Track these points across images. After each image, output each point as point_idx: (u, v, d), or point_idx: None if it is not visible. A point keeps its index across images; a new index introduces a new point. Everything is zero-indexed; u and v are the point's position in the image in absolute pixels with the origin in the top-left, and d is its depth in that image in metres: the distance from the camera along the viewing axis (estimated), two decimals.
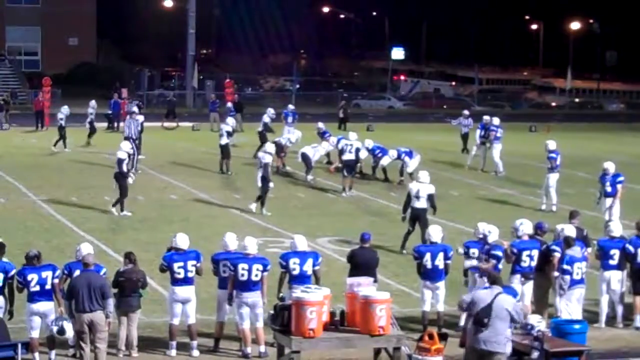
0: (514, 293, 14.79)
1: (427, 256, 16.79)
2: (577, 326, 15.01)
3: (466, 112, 43.22)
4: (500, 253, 16.74)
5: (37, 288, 14.87)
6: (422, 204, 22.49)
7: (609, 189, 24.94)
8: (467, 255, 17.10)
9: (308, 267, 15.84)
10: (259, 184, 27.12)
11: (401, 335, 14.60)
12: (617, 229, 17.88)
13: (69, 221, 25.71)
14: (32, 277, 14.86)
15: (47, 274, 14.94)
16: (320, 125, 36.99)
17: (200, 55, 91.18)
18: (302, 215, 27.19)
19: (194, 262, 15.68)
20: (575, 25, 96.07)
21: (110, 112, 49.25)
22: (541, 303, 16.94)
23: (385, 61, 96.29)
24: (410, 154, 32.59)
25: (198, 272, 15.77)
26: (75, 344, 15.17)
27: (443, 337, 14.37)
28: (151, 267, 18.26)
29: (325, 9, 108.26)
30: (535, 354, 13.74)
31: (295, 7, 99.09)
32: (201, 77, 72.35)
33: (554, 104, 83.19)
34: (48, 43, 79.19)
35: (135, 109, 39.89)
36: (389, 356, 14.46)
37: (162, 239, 20.98)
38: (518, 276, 16.81)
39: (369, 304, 14.08)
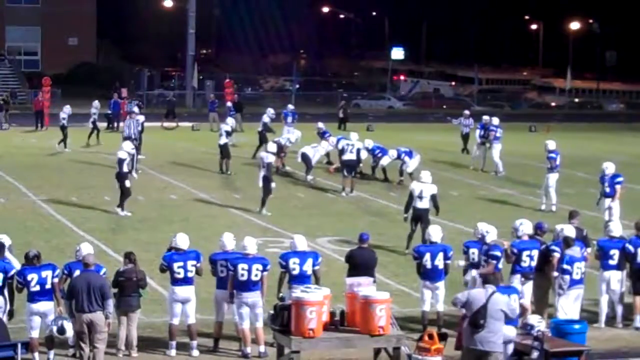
0: (516, 291, 14.79)
1: (427, 256, 16.79)
2: (577, 326, 15.02)
3: (467, 112, 43.22)
4: (498, 253, 16.74)
5: (37, 288, 14.87)
6: (424, 204, 22.45)
7: (607, 190, 24.93)
8: (466, 255, 17.11)
9: (308, 267, 15.85)
10: (260, 184, 27.11)
11: (401, 335, 14.60)
12: (616, 229, 17.88)
13: (69, 221, 25.71)
14: (32, 277, 14.86)
15: (47, 274, 14.95)
16: (321, 125, 36.99)
17: (200, 55, 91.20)
18: (302, 215, 27.19)
19: (194, 262, 15.68)
20: (575, 25, 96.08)
21: (110, 112, 49.25)
22: (541, 303, 16.95)
23: (385, 61, 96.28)
24: (410, 154, 32.60)
25: (198, 272, 15.78)
26: (75, 344, 15.18)
27: (443, 337, 14.37)
28: (151, 267, 18.27)
29: (325, 9, 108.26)
30: (535, 354, 13.74)
31: (295, 7, 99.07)
32: (201, 77, 72.36)
33: (553, 104, 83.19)
34: (48, 43, 79.18)
35: (136, 109, 39.93)
36: (389, 356, 14.47)
37: (162, 239, 20.99)
38: (518, 276, 16.81)
39: (369, 304, 14.09)
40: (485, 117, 37.77)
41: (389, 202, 29.31)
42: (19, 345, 14.14)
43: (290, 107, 43.67)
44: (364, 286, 14.54)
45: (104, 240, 23.13)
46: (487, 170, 35.89)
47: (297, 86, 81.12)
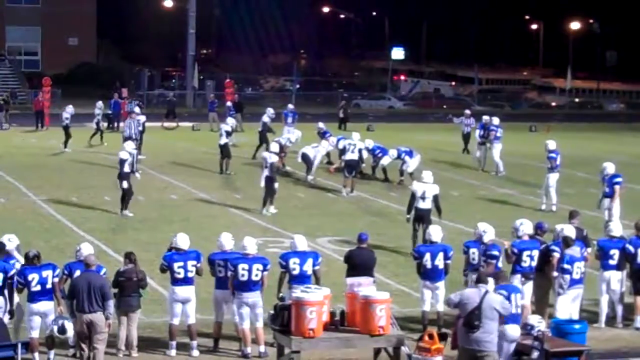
0: (519, 291, 14.78)
1: (427, 256, 16.78)
2: (577, 326, 15.03)
3: (468, 111, 43.24)
4: (496, 252, 16.76)
5: (38, 288, 14.88)
6: (427, 204, 22.39)
7: (607, 190, 24.93)
8: (466, 255, 17.10)
9: (308, 267, 15.84)
10: (262, 184, 27.10)
11: (401, 335, 14.59)
12: (616, 229, 17.89)
13: (69, 221, 25.71)
14: (33, 277, 14.86)
15: (47, 274, 14.96)
16: (321, 125, 37.00)
17: (200, 55, 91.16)
18: (302, 215, 27.19)
19: (194, 262, 15.68)
20: (575, 25, 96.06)
21: (110, 112, 49.26)
22: (541, 303, 16.95)
23: (385, 61, 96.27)
24: (410, 154, 32.60)
25: (198, 272, 15.78)
26: (75, 344, 15.19)
27: (443, 337, 14.37)
28: (151, 267, 18.27)
29: (325, 9, 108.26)
30: (535, 354, 13.75)
31: (295, 7, 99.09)
32: (201, 77, 72.36)
33: (554, 104, 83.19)
34: (48, 43, 79.18)
35: (137, 109, 39.94)
36: (389, 356, 14.47)
37: (162, 239, 20.99)
38: (518, 276, 16.80)
39: (369, 304, 14.09)
40: (485, 117, 37.79)
41: (389, 202, 29.31)
42: (19, 345, 14.15)
43: (290, 107, 43.66)
44: (364, 286, 14.54)
45: (104, 240, 23.14)
46: (487, 170, 35.91)
47: (297, 86, 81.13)
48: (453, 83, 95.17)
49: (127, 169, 26.58)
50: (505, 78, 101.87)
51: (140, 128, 37.15)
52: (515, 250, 16.89)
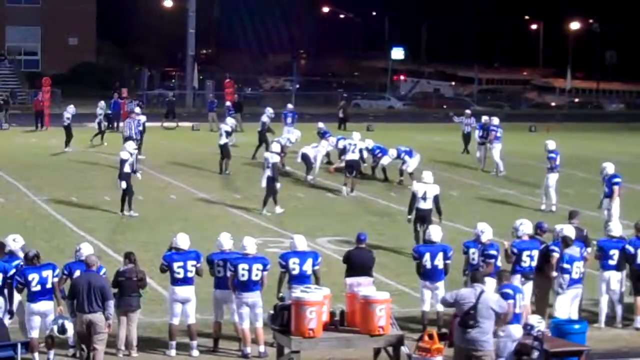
0: (518, 290, 14.78)
1: (427, 256, 16.79)
2: (577, 326, 15.04)
3: (468, 111, 43.27)
4: (494, 252, 16.79)
5: (38, 288, 14.88)
6: (428, 205, 22.36)
7: (606, 190, 24.93)
8: (466, 255, 17.11)
9: (308, 267, 15.85)
10: (263, 184, 27.08)
11: (401, 335, 14.59)
12: (616, 229, 17.89)
13: (69, 221, 25.71)
14: (33, 277, 14.86)
15: (47, 273, 14.97)
16: (321, 125, 36.99)
17: (200, 55, 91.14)
18: (302, 215, 27.19)
19: (194, 262, 15.69)
20: (575, 25, 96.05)
21: (110, 112, 49.23)
22: (541, 303, 16.95)
23: (385, 61, 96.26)
24: (410, 153, 32.59)
25: (198, 272, 15.78)
26: (75, 344, 15.19)
27: (443, 337, 14.36)
28: (151, 267, 18.28)
29: (325, 9, 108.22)
30: (535, 354, 13.75)
31: (295, 7, 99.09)
32: (201, 77, 72.35)
33: (553, 104, 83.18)
34: (48, 43, 79.15)
35: (137, 109, 39.94)
36: (388, 356, 14.47)
37: (162, 239, 20.99)
38: (518, 276, 16.80)
39: (369, 304, 14.09)
40: (485, 118, 37.79)
41: (389, 202, 29.31)
42: (19, 345, 14.16)
43: (290, 107, 43.61)
44: (364, 286, 14.54)
45: (104, 240, 23.14)
46: (487, 170, 35.91)
47: (297, 86, 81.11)
48: (453, 83, 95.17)
49: (127, 169, 26.58)
50: (505, 78, 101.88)
51: (141, 128, 37.14)
52: (515, 250, 16.90)
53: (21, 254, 15.55)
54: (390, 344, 14.35)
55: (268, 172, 27.01)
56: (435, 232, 17.07)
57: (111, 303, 14.45)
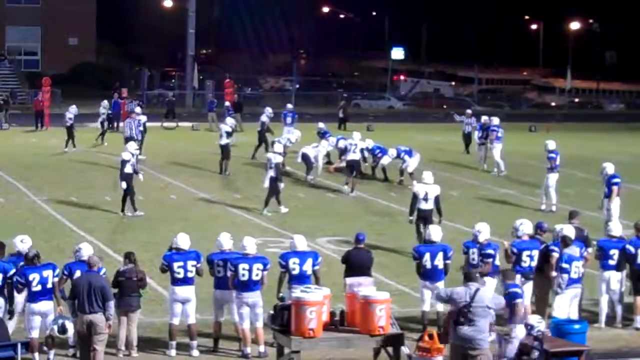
0: (520, 290, 14.78)
1: (427, 256, 16.79)
2: (577, 326, 15.05)
3: (469, 111, 43.34)
4: (492, 251, 16.82)
5: (39, 287, 14.89)
6: (429, 205, 22.33)
7: (606, 190, 24.93)
8: (466, 255, 17.11)
9: (308, 267, 15.85)
10: (266, 184, 27.07)
11: (401, 335, 14.58)
12: (616, 229, 17.89)
13: (69, 221, 25.71)
14: (34, 277, 14.87)
15: (47, 274, 14.98)
16: (321, 125, 36.98)
17: (200, 55, 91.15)
18: (302, 215, 27.18)
19: (194, 262, 15.69)
20: (575, 25, 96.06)
21: (110, 112, 49.23)
22: (541, 303, 16.96)
23: (385, 61, 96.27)
24: (410, 153, 32.58)
25: (198, 272, 15.78)
26: (75, 344, 15.19)
27: (447, 341, 14.36)
28: (151, 267, 18.29)
29: (325, 9, 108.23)
30: (535, 354, 13.75)
31: (295, 7, 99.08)
32: (201, 77, 72.35)
33: (553, 104, 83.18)
34: (48, 43, 79.12)
35: (138, 109, 39.94)
36: (388, 356, 14.46)
37: (162, 239, 21.00)
38: (518, 276, 16.77)
39: (369, 304, 14.09)
40: (484, 118, 37.79)
41: (389, 202, 29.31)
42: (19, 345, 14.16)
43: (290, 107, 43.58)
44: (364, 286, 14.54)
45: (104, 240, 23.14)
46: (487, 170, 35.90)
47: (297, 86, 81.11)
48: (453, 83, 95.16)
49: (129, 169, 26.56)
50: (505, 78, 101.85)
51: (141, 128, 37.14)
52: (515, 250, 16.91)
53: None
54: (390, 344, 14.33)
55: (271, 172, 27.00)
56: (435, 232, 17.08)
57: (112, 304, 14.44)
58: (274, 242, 23.00)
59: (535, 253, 16.92)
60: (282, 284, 15.84)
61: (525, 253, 16.89)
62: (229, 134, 34.31)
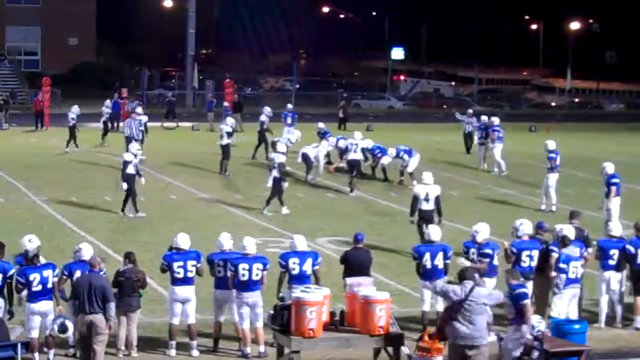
0: (527, 290, 14.78)
1: (427, 256, 16.79)
2: (577, 326, 15.04)
3: (470, 111, 43.37)
4: (490, 251, 16.83)
5: (39, 287, 14.89)
6: (430, 206, 22.28)
7: (606, 190, 24.93)
8: (466, 255, 17.11)
9: (307, 267, 15.85)
10: (269, 184, 27.06)
11: (401, 335, 14.58)
12: (616, 229, 17.89)
13: (69, 221, 25.71)
14: (35, 277, 14.86)
15: (48, 273, 14.98)
16: (321, 125, 36.96)
17: (200, 55, 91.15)
18: (302, 215, 27.18)
19: (194, 262, 15.69)
20: (575, 25, 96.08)
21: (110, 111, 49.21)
22: (541, 303, 16.95)
23: (385, 61, 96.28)
24: (409, 153, 32.56)
25: (198, 272, 15.78)
26: (75, 344, 15.19)
27: (443, 337, 14.36)
28: (151, 267, 18.29)
29: (325, 9, 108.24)
30: (535, 354, 13.75)
31: (295, 7, 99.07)
32: (201, 77, 72.36)
33: (553, 104, 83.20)
34: (48, 43, 79.15)
35: (139, 109, 39.94)
36: (388, 356, 14.46)
37: (162, 239, 21.00)
38: None
39: (369, 304, 14.09)
40: (484, 118, 37.80)
41: (389, 202, 29.31)
42: (19, 345, 14.16)
43: (290, 107, 43.57)
44: (364, 286, 14.54)
45: (104, 240, 23.13)
46: (487, 170, 35.90)
47: (297, 86, 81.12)
48: (453, 83, 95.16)
49: (131, 170, 26.53)
50: (505, 78, 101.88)
51: (142, 128, 37.13)
52: (515, 250, 16.91)
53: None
54: (390, 344, 14.34)
55: (274, 172, 27.01)
56: (434, 232, 17.08)
57: (112, 305, 14.42)
58: (274, 242, 23.01)
59: (535, 253, 16.92)
60: (282, 284, 15.84)
61: (524, 253, 16.89)
62: (229, 134, 34.31)
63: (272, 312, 14.45)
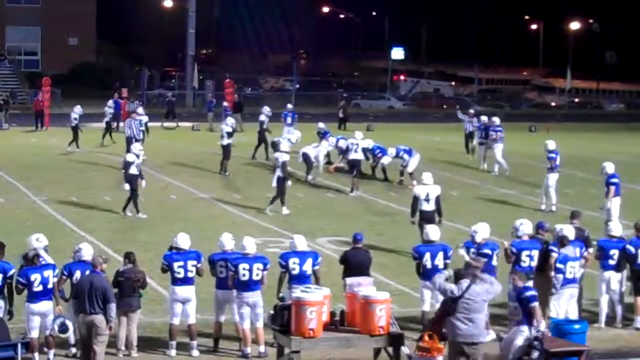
0: (535, 292, 14.78)
1: (427, 256, 16.79)
2: (577, 326, 15.04)
3: (471, 110, 43.36)
4: (488, 251, 16.82)
5: (40, 288, 14.88)
6: (431, 206, 22.28)
7: (606, 189, 24.94)
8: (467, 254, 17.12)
9: (308, 267, 15.85)
10: (274, 184, 27.07)
11: (401, 335, 14.58)
12: (616, 229, 17.88)
13: (69, 221, 25.71)
14: (35, 277, 14.85)
15: (48, 273, 14.97)
16: (321, 125, 36.95)
17: (200, 55, 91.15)
18: (302, 215, 27.18)
19: (194, 262, 15.69)
20: (575, 25, 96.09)
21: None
22: (541, 303, 16.92)
23: (385, 61, 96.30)
24: (409, 152, 32.56)
25: (198, 272, 15.78)
26: (75, 344, 15.19)
27: (443, 337, 14.36)
28: (151, 267, 18.30)
29: (325, 9, 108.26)
30: (535, 354, 13.75)
31: (295, 7, 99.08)
32: (201, 77, 72.37)
33: (553, 104, 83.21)
34: (48, 43, 79.17)
35: (140, 109, 39.92)
36: (388, 356, 14.47)
37: (162, 239, 21.00)
38: None
39: (369, 304, 14.09)
40: (484, 118, 37.78)
41: (389, 202, 29.32)
42: (19, 345, 14.16)
43: (290, 107, 43.55)
44: (364, 286, 14.54)
45: (104, 240, 23.13)
46: (487, 170, 35.90)
47: (297, 86, 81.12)
48: (453, 83, 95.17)
49: (133, 170, 26.50)
50: (505, 78, 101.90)
51: (142, 128, 37.12)
52: (514, 250, 16.90)
53: (43, 253, 15.39)
54: (390, 344, 14.34)
55: (278, 172, 27.02)
56: (433, 232, 17.08)
57: (113, 306, 14.41)
58: (274, 242, 23.01)
59: (535, 253, 16.92)
60: (282, 284, 15.84)
61: (524, 253, 16.89)
62: (229, 134, 34.30)
63: (272, 312, 14.45)
